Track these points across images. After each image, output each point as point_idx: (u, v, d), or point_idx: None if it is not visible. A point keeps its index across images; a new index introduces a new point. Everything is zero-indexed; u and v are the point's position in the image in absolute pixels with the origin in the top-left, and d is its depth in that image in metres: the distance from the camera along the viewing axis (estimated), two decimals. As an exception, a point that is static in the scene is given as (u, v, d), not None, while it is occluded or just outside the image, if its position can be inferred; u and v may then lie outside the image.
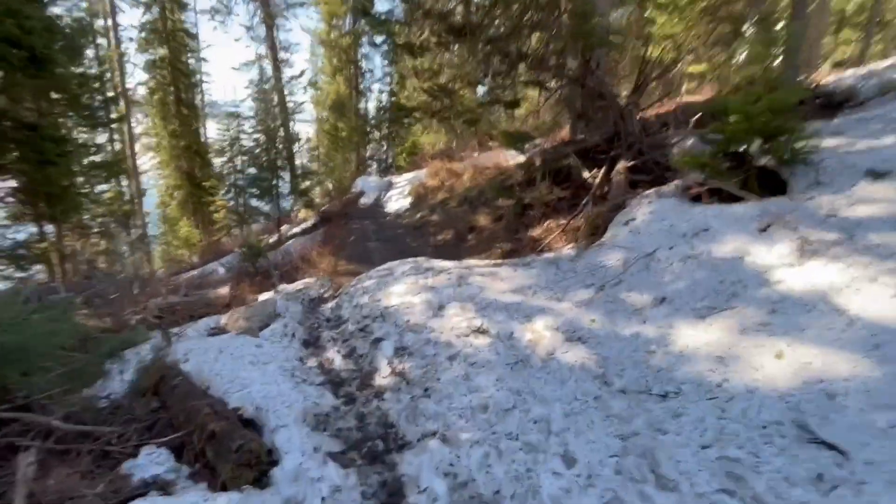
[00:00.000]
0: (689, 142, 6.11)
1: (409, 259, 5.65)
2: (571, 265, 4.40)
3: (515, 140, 7.29)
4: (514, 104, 8.77)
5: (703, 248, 3.56)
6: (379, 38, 7.31)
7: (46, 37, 8.58)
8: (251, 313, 4.23)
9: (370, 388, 3.05)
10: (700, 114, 5.70)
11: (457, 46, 8.11)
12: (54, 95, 12.15)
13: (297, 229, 13.57)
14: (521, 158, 10.67)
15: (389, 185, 14.78)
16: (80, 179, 13.87)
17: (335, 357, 3.52)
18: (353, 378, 3.19)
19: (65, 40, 10.90)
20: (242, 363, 3.16)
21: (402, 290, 4.38)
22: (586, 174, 6.19)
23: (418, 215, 10.13)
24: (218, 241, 19.66)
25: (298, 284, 5.82)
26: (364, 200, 13.18)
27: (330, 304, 4.99)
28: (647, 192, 5.03)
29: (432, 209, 10.00)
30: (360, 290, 4.80)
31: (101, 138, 16.32)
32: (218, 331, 4.20)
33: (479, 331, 3.35)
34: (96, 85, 13.01)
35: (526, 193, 6.93)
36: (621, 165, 5.85)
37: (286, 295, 5.14)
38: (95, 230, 14.99)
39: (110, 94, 13.92)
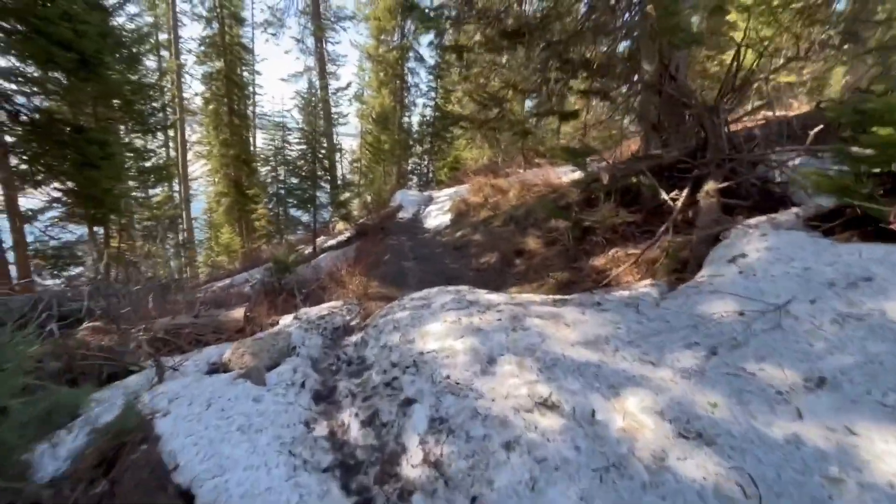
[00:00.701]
0: (796, 160, 4.97)
1: (450, 288, 4.78)
2: (659, 312, 3.38)
3: (575, 155, 6.34)
4: (571, 115, 7.83)
5: (871, 307, 2.48)
6: (426, 39, 6.61)
7: (98, 41, 8.48)
8: (260, 347, 3.47)
9: (394, 480, 2.17)
10: (821, 126, 4.56)
11: (510, 51, 7.32)
12: (111, 102, 12.32)
13: (332, 242, 13.07)
14: (575, 175, 9.68)
15: (429, 200, 14.09)
16: (130, 183, 14.10)
17: (351, 423, 2.67)
18: (373, 461, 2.32)
19: (120, 47, 10.99)
20: (230, 429, 2.36)
21: (440, 329, 3.50)
22: (664, 195, 5.15)
23: (459, 233, 9.29)
24: (257, 249, 19.64)
25: (323, 308, 5.07)
26: (402, 215, 12.52)
27: (355, 338, 4.18)
28: (755, 220, 3.95)
29: (474, 227, 9.14)
30: (390, 323, 3.96)
31: (155, 144, 16.62)
32: (219, 366, 3.46)
33: (547, 404, 2.42)
34: (151, 93, 13.15)
35: (586, 215, 5.95)
36: (710, 186, 4.78)
37: (306, 322, 4.38)
38: (142, 233, 15.20)
39: (165, 101, 14.11)
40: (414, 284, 6.44)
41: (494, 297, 4.17)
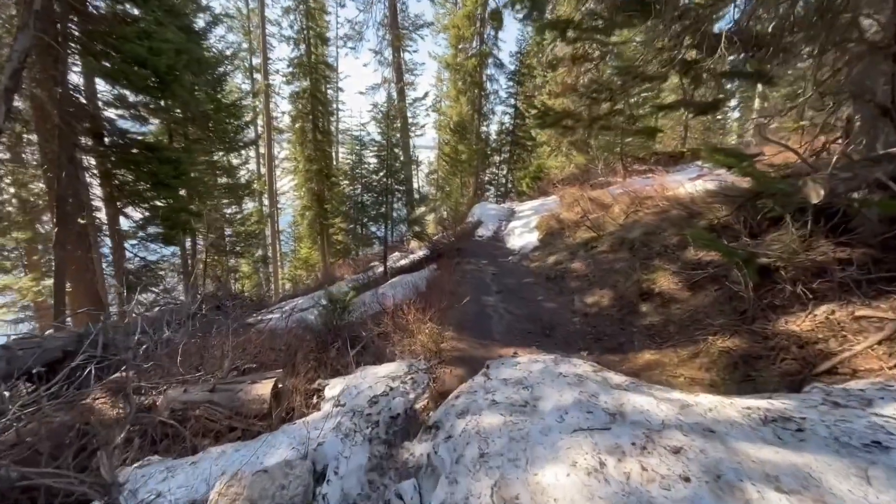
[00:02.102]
0: None
1: (563, 367, 3.10)
2: None
3: (731, 157, 4.33)
4: (710, 107, 5.74)
5: None
6: (520, 14, 5.04)
7: (173, 58, 8.09)
8: (262, 490, 2.08)
9: None
10: None
11: (630, 25, 5.47)
12: (197, 121, 12.33)
13: (404, 261, 11.90)
14: (699, 185, 7.44)
15: (511, 215, 12.39)
16: (215, 201, 14.24)
17: None
18: None
19: (202, 65, 10.85)
20: None
21: (568, 488, 1.85)
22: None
23: (551, 259, 7.49)
24: (335, 264, 19.31)
25: (379, 377, 3.65)
26: (481, 232, 10.96)
27: (419, 450, 2.66)
28: None
29: (571, 252, 7.29)
30: (473, 436, 2.39)
31: (239, 161, 16.93)
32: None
33: None
34: (233, 111, 13.13)
35: (762, 247, 3.92)
36: None
37: (350, 412, 2.96)
38: (227, 249, 15.34)
39: (248, 118, 14.14)
40: (501, 333, 4.83)
41: (653, 404, 2.39)
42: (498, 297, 6.16)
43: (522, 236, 9.74)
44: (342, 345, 4.81)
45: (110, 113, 9.64)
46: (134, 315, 6.64)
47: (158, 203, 8.68)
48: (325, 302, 5.11)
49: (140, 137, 8.45)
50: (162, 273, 10.23)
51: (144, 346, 4.59)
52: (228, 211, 16.94)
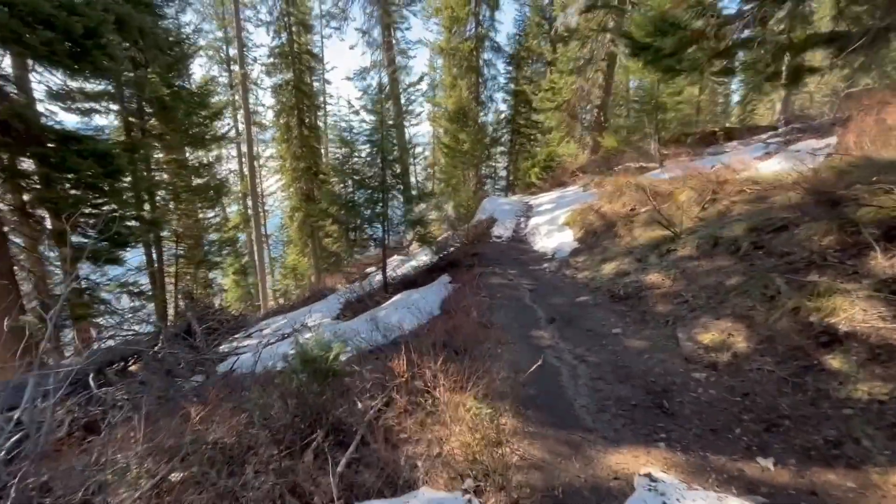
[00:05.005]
0: None
1: None
2: None
3: None
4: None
5: None
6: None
7: (96, 19, 5.94)
8: None
9: None
10: None
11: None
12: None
13: (407, 267, 9.86)
14: (775, 164, 5.52)
15: (528, 209, 10.37)
16: (181, 207, 12.03)
17: None
18: None
19: (150, 39, 8.66)
20: None
21: None
22: None
23: (608, 267, 5.49)
24: (327, 272, 17.18)
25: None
26: (498, 232, 8.94)
27: None
28: None
29: (638, 258, 5.29)
30: None
31: (215, 159, 14.67)
32: None
33: None
34: (199, 99, 10.92)
35: None
36: None
37: None
38: (202, 259, 13.14)
39: (217, 109, 11.94)
40: (590, 412, 2.84)
41: None
42: (554, 332, 4.15)
43: (552, 236, 7.73)
44: (322, 439, 2.79)
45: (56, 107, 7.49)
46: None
47: (88, 210, 6.56)
48: (296, 363, 3.06)
49: (53, 125, 6.30)
50: (108, 297, 8.07)
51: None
52: (209, 215, 14.77)
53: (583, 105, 14.55)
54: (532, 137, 20.56)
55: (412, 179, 22.48)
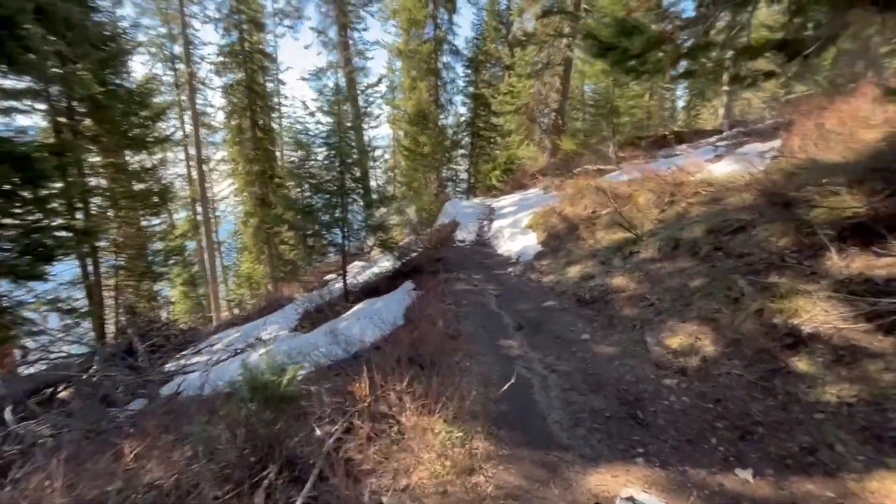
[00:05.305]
0: None
1: None
2: None
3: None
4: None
5: None
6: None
7: (9, 7, 5.24)
8: None
9: None
10: None
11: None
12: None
13: (368, 274, 9.50)
14: (729, 167, 5.73)
15: (491, 212, 10.31)
16: (120, 214, 11.07)
17: None
18: None
19: (79, 31, 7.85)
20: None
21: None
22: None
23: (573, 270, 5.45)
24: (283, 280, 16.42)
25: None
26: (461, 236, 8.78)
27: None
28: None
29: (602, 261, 5.28)
30: None
31: (159, 163, 13.60)
32: None
33: None
34: (136, 98, 10.05)
35: None
36: None
37: None
38: (144, 271, 12.13)
39: (159, 109, 11.07)
40: (564, 427, 2.70)
41: None
42: (522, 340, 4.00)
43: (515, 239, 7.67)
44: (276, 475, 2.48)
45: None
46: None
47: (7, 221, 5.79)
48: (244, 391, 2.72)
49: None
50: (34, 316, 7.20)
51: None
52: (153, 223, 13.63)
53: (541, 108, 14.74)
54: (492, 140, 20.66)
55: (372, 183, 21.99)
